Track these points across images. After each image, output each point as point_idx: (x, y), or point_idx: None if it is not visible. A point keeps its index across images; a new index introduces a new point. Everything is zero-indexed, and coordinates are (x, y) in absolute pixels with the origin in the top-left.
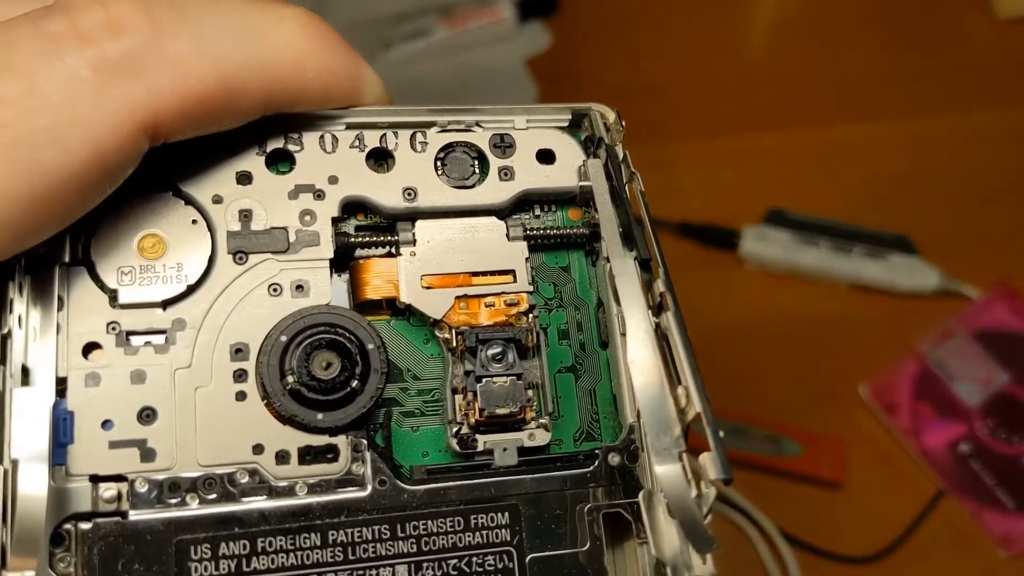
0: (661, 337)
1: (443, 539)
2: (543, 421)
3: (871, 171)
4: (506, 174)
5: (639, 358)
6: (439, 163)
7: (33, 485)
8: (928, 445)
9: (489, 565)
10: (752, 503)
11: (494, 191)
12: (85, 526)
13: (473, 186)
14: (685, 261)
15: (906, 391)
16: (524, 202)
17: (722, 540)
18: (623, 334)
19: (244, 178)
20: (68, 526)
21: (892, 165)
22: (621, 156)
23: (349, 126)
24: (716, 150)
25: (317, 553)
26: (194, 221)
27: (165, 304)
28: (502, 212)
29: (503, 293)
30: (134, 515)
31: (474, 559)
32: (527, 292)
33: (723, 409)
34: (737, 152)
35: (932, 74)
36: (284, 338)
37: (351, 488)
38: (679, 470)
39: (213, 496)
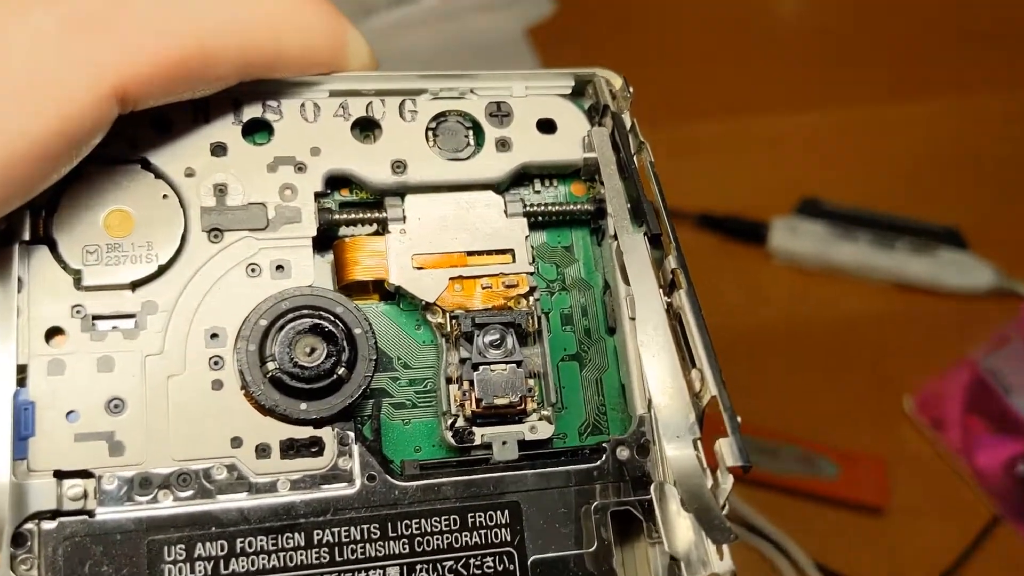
0: (673, 318)
1: (438, 539)
2: (545, 413)
3: (917, 155)
4: (503, 145)
5: (650, 340)
6: (430, 133)
7: None
8: (981, 465)
9: (488, 567)
10: (783, 531)
11: (491, 164)
12: (49, 525)
13: (468, 158)
14: (706, 257)
15: (956, 404)
16: (523, 176)
17: (750, 573)
18: (632, 319)
19: (219, 149)
20: (30, 525)
21: (941, 148)
22: (629, 125)
23: (332, 93)
24: (741, 131)
25: (301, 554)
26: (165, 196)
27: (134, 285)
28: (500, 186)
29: (501, 274)
30: (102, 513)
31: (472, 561)
32: (527, 273)
33: (749, 424)
34: (765, 134)
35: (987, 43)
36: (264, 322)
37: (337, 484)
38: (693, 458)
39: (188, 493)
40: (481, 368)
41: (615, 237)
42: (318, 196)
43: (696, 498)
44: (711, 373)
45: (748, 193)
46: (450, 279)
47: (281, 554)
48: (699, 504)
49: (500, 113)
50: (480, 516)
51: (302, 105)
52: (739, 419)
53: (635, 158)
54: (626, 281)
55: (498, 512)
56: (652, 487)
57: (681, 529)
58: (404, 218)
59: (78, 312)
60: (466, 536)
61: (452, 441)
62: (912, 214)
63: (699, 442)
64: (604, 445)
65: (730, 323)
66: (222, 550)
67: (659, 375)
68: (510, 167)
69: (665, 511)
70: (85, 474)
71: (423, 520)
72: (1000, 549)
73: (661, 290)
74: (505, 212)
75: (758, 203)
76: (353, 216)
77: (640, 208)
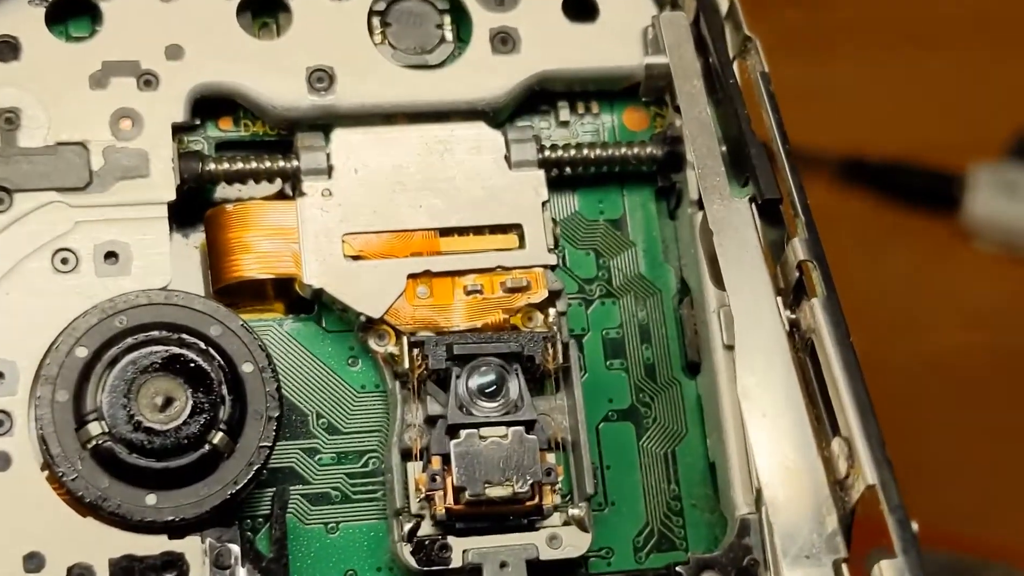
0: (802, 347)
1: None
2: (577, 512)
3: None
4: (504, 42)
5: (760, 387)
6: (377, 21)
7: None
8: None
9: None
10: None
11: (482, 73)
12: None
13: (441, 64)
14: (855, 233)
15: None
16: (539, 96)
17: None
18: (729, 347)
19: (6, 48)
20: None
21: None
22: (726, 9)
23: None
24: (916, 32)
25: None
26: None
27: None
28: (498, 113)
29: (500, 269)
30: None
31: None
32: (546, 267)
33: (931, 530)
34: (958, 34)
35: None
36: (83, 352)
37: None
38: None
39: None
40: (463, 434)
41: (700, 204)
42: (179, 131)
43: None
44: (866, 444)
45: (928, 127)
46: (410, 277)
47: None
48: None
49: None
50: None
51: None
52: (916, 526)
53: (734, 65)
54: (718, 283)
55: None
56: None
57: None
58: (329, 169)
59: None
60: None
61: (411, 561)
62: None
63: (844, 566)
64: (680, 569)
65: (895, 352)
66: None
67: (775, 447)
68: (516, 80)
69: None
70: None
71: None
72: None
73: (780, 299)
74: (508, 159)
75: (947, 142)
76: (241, 166)
77: (744, 153)
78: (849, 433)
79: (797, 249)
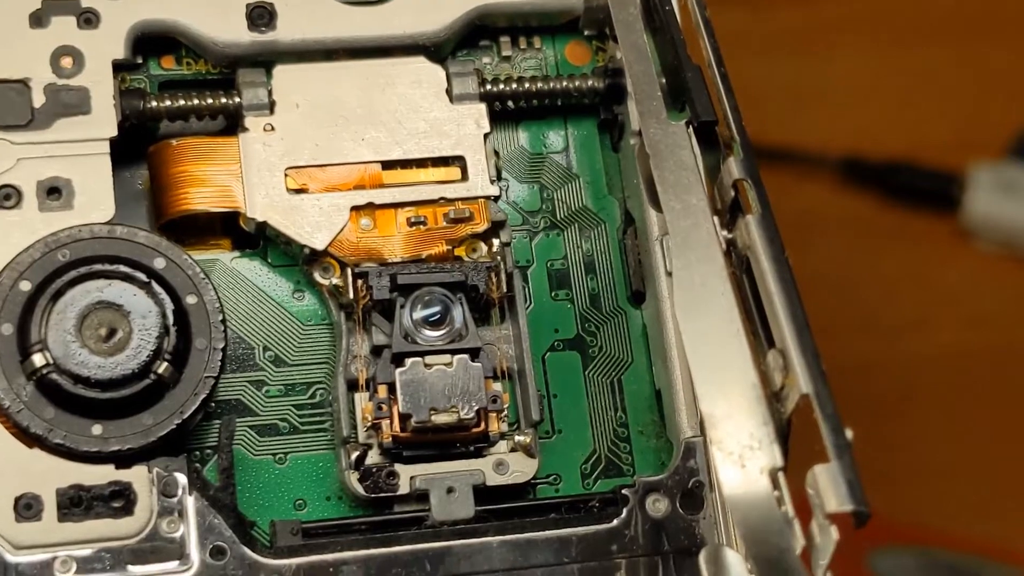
0: (737, 265)
1: None
2: (523, 439)
3: None
4: None
5: (697, 304)
6: None
7: None
8: None
9: None
10: None
11: (422, 8)
12: None
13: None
14: (856, 232)
15: None
16: (480, 30)
17: None
18: (671, 273)
19: None
20: None
21: None
22: None
23: None
24: (916, 28)
25: None
26: None
27: None
28: (440, 48)
29: (443, 200)
30: None
31: None
32: (488, 198)
33: (925, 528)
34: (958, 31)
35: None
36: (26, 286)
37: (160, 566)
38: (768, 499)
39: None
40: (409, 363)
41: (639, 133)
42: (120, 69)
43: (775, 566)
44: (801, 356)
45: (926, 126)
46: (353, 209)
47: None
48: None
49: None
50: None
51: None
52: (850, 434)
53: None
54: (656, 206)
55: None
56: (702, 555)
57: None
58: (271, 105)
59: None
60: None
61: (359, 489)
62: None
63: (781, 474)
64: (626, 492)
65: (895, 352)
66: None
67: (713, 364)
68: (456, 15)
69: None
70: None
71: None
72: None
73: (716, 218)
74: (449, 93)
75: (945, 141)
76: (183, 103)
77: (681, 80)
78: (784, 345)
79: (732, 169)
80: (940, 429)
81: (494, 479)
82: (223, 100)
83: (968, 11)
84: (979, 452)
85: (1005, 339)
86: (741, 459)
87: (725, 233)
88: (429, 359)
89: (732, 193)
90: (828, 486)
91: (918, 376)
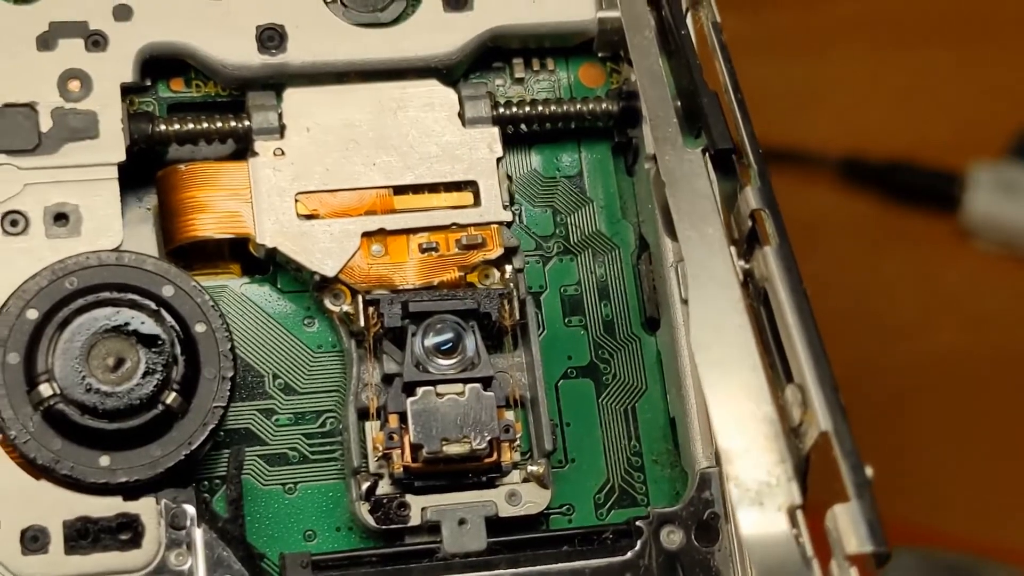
0: (756, 296)
1: None
2: (535, 469)
3: None
4: None
5: (714, 337)
6: None
7: None
8: None
9: None
10: None
11: (434, 30)
12: None
13: (394, 22)
14: (856, 233)
15: None
16: (493, 51)
17: None
18: (687, 301)
19: None
20: None
21: None
22: None
23: None
24: (916, 29)
25: None
26: None
27: None
28: (452, 70)
29: (455, 227)
30: None
31: None
32: (501, 224)
33: (923, 528)
34: (958, 31)
35: None
36: (33, 314)
37: None
38: (787, 538)
39: None
40: (420, 392)
41: (655, 159)
42: (129, 92)
43: None
44: (819, 391)
45: (927, 125)
46: (364, 235)
47: None
48: None
49: None
50: None
51: None
52: (870, 472)
53: (688, 16)
54: (671, 234)
55: None
56: None
57: None
58: (281, 129)
59: None
60: None
61: (370, 520)
62: None
63: (799, 512)
64: (640, 524)
65: (895, 352)
66: None
67: (730, 397)
68: (468, 37)
69: None
70: None
71: None
72: None
73: (733, 248)
74: (462, 117)
75: (944, 141)
76: (192, 127)
77: (696, 104)
78: (802, 380)
79: (749, 198)
80: (940, 429)
81: (506, 510)
82: (232, 124)
83: (968, 11)
84: (979, 452)
85: (1005, 339)
86: (759, 496)
87: (742, 263)
88: (441, 388)
89: (749, 223)
90: (848, 527)
91: (918, 376)
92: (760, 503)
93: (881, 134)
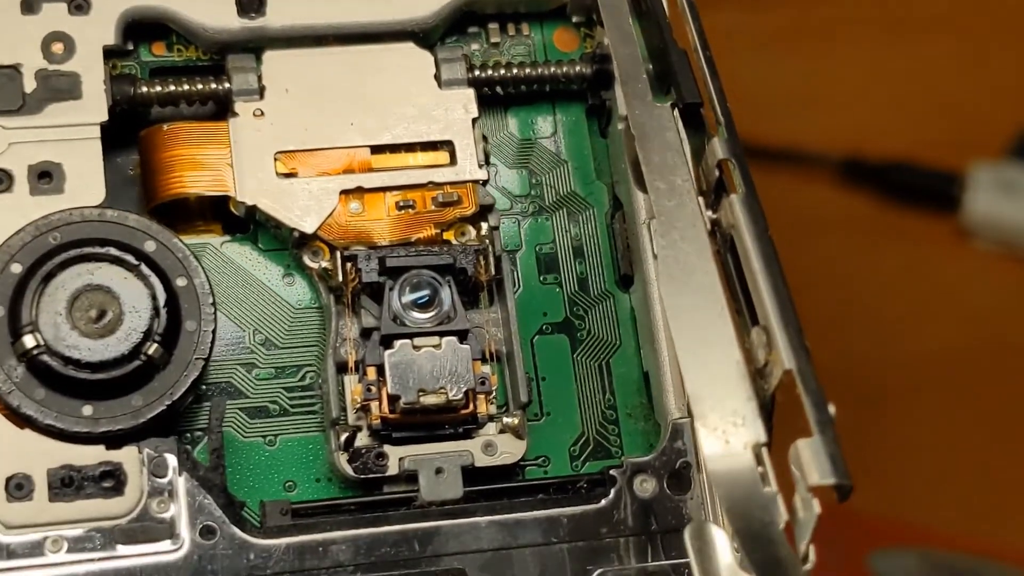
0: (724, 245)
1: None
2: (511, 420)
3: None
4: None
5: (682, 282)
6: None
7: None
8: None
9: None
10: None
11: None
12: None
13: None
14: (856, 231)
15: None
16: (469, 16)
17: None
18: (657, 255)
19: None
20: None
21: None
22: None
23: None
24: (916, 28)
25: None
26: None
27: None
28: (429, 35)
29: (431, 185)
30: None
31: None
32: (477, 183)
33: (922, 529)
34: (958, 30)
35: None
36: (17, 268)
37: (151, 546)
38: (752, 473)
39: None
40: (398, 345)
41: (626, 118)
42: (111, 55)
43: (757, 540)
44: (784, 332)
45: (925, 124)
46: (342, 193)
47: None
48: (763, 550)
49: None
50: None
51: None
52: (833, 409)
53: None
54: (641, 186)
55: None
56: (687, 531)
57: None
58: (261, 90)
59: None
60: None
61: (348, 470)
62: None
63: (764, 449)
64: (614, 474)
65: (895, 351)
66: None
67: (697, 341)
68: (445, 1)
69: (708, 568)
70: None
71: None
72: None
73: (701, 199)
74: (438, 79)
75: (944, 140)
76: (173, 89)
77: (667, 64)
78: (767, 322)
79: (717, 148)
80: (940, 429)
81: (483, 460)
82: (213, 86)
83: (968, 11)
84: (979, 452)
85: (1004, 338)
86: (725, 435)
87: (710, 213)
88: (418, 341)
89: (716, 173)
90: (811, 460)
91: (917, 375)
92: (726, 441)
93: (881, 134)
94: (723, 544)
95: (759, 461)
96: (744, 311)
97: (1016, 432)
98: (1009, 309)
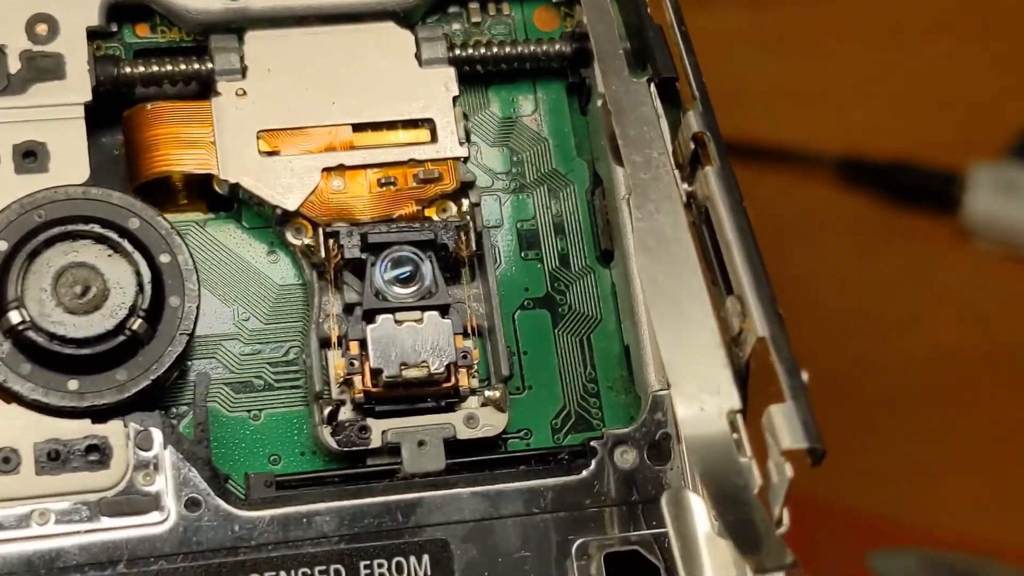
0: (699, 217)
1: None
2: (493, 394)
3: None
4: None
5: (658, 253)
6: None
7: None
8: None
9: None
10: None
11: None
12: None
13: None
14: (855, 232)
15: None
16: None
17: None
18: (634, 227)
19: None
20: None
21: None
22: None
23: None
24: (915, 28)
25: None
26: None
27: None
28: (410, 14)
29: (412, 162)
30: None
31: None
32: (457, 160)
33: (934, 522)
34: (958, 30)
35: None
36: (3, 245)
37: (137, 518)
38: (726, 439)
39: None
40: (380, 319)
41: (604, 95)
42: (95, 36)
43: (732, 504)
44: (757, 300)
45: (925, 124)
46: (324, 171)
47: None
48: (737, 514)
49: None
50: (381, 567)
51: None
52: (806, 376)
53: None
54: (618, 160)
55: (411, 559)
56: (663, 497)
57: (713, 560)
58: (243, 70)
59: None
60: None
61: (331, 443)
62: None
63: (739, 416)
64: (595, 445)
65: (894, 351)
66: None
67: (673, 311)
68: None
69: (685, 535)
70: None
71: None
72: None
73: (677, 172)
74: (418, 57)
75: (944, 140)
76: (157, 69)
77: (643, 40)
78: (741, 291)
79: (692, 122)
80: (939, 428)
81: (465, 433)
82: (196, 66)
83: (968, 10)
84: (979, 452)
85: (1005, 338)
86: (700, 402)
87: (686, 186)
88: (400, 316)
89: (692, 146)
90: (783, 425)
91: (917, 375)
92: (701, 408)
93: (881, 134)
94: (700, 511)
95: (734, 428)
96: (719, 281)
97: (1016, 432)
98: (1009, 309)
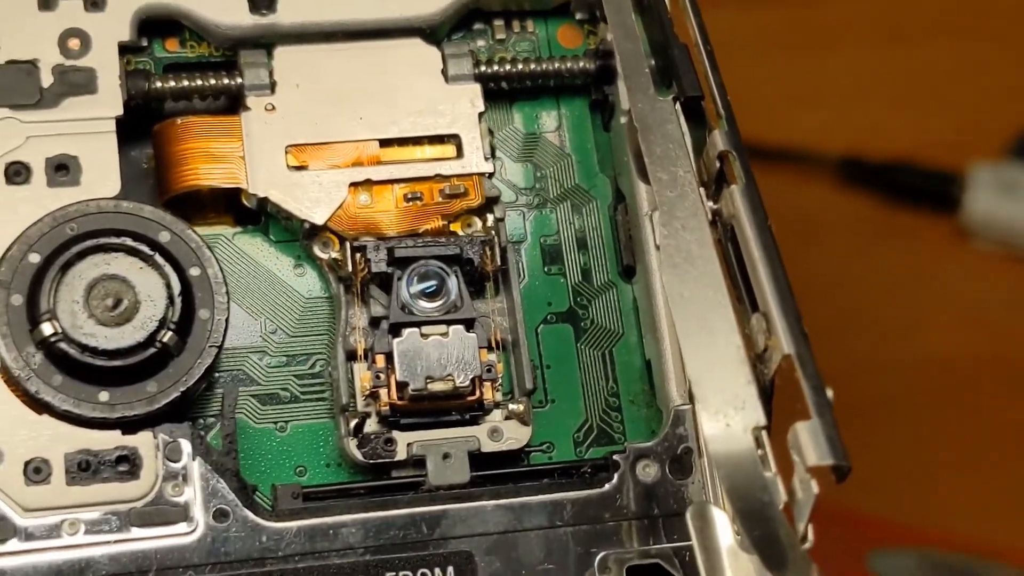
0: (724, 235)
1: None
2: (517, 407)
3: None
4: None
5: (683, 271)
6: None
7: None
8: None
9: None
10: None
11: None
12: None
13: None
14: (854, 232)
15: None
16: (475, 13)
17: None
18: (660, 244)
19: None
20: None
21: None
22: None
23: None
24: (912, 24)
25: None
26: None
27: None
28: (436, 31)
29: (438, 177)
30: None
31: None
32: (483, 175)
33: (934, 522)
34: (958, 30)
35: None
36: (35, 258)
37: (165, 528)
38: (753, 455)
39: None
40: (406, 333)
41: (629, 112)
42: (126, 51)
43: (758, 520)
44: (783, 318)
45: (925, 124)
46: (352, 186)
47: None
48: (763, 529)
49: None
50: None
51: None
52: (831, 393)
53: None
54: (644, 178)
55: (436, 571)
56: (689, 511)
57: (737, 574)
58: (272, 85)
59: None
60: None
61: (358, 455)
62: None
63: (764, 432)
64: (617, 459)
65: (895, 352)
66: None
67: (699, 328)
68: None
69: (710, 549)
70: None
71: None
72: None
73: (702, 189)
74: (445, 74)
75: (944, 141)
76: (187, 84)
77: (668, 58)
78: (767, 308)
79: (717, 141)
80: (939, 428)
81: (489, 446)
82: (225, 81)
83: (968, 10)
84: (979, 452)
85: (1005, 338)
86: (726, 418)
87: (711, 204)
88: (425, 329)
89: (717, 165)
90: (809, 442)
91: (917, 375)
92: (727, 424)
93: (881, 134)
94: (724, 525)
95: (759, 444)
96: (744, 298)
97: (1016, 432)
98: (1009, 309)
